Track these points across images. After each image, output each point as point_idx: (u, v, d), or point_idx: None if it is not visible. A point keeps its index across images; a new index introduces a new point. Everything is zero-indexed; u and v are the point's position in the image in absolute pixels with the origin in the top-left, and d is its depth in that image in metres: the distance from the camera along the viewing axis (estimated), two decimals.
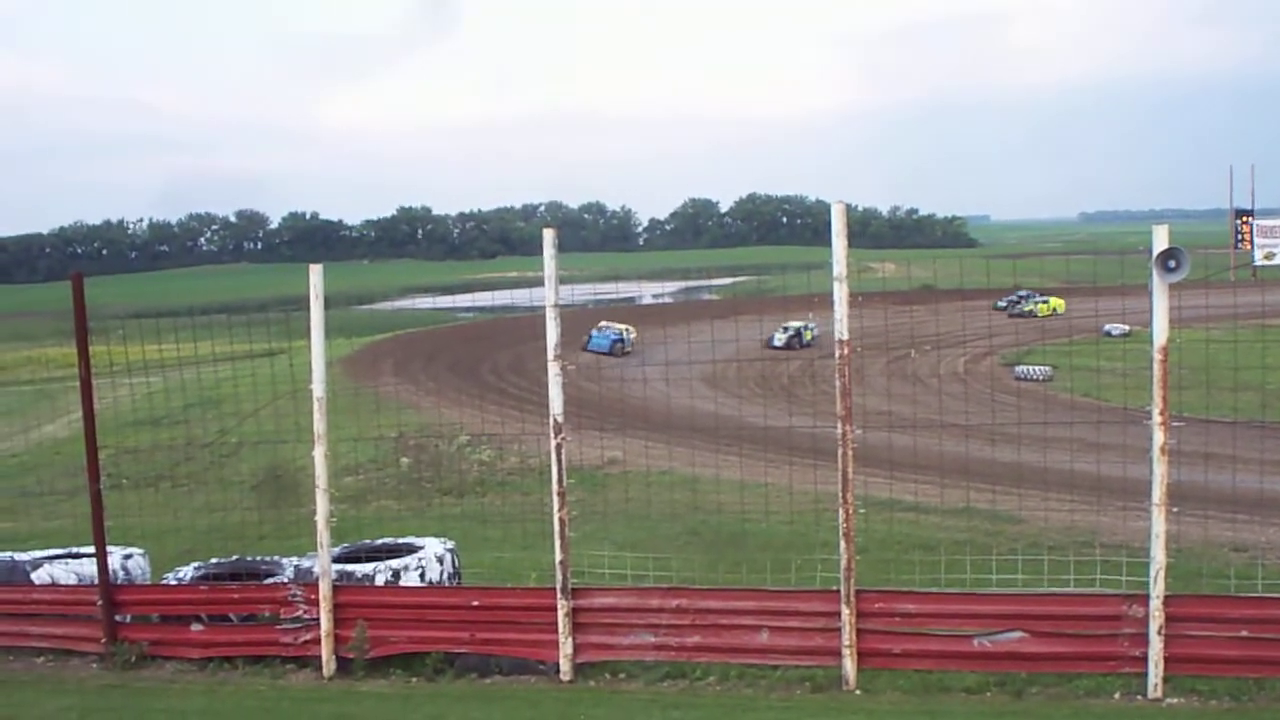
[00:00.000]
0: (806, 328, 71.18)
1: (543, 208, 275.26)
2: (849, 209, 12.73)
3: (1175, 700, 12.14)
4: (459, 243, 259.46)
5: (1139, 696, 12.21)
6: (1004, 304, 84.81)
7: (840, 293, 12.28)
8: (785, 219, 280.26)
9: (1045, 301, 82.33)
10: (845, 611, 12.66)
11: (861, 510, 13.47)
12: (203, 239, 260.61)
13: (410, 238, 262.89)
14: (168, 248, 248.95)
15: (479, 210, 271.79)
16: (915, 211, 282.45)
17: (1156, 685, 12.16)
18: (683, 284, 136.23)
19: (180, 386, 21.31)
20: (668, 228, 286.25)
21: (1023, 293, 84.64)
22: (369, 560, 15.01)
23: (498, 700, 13.05)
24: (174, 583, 15.19)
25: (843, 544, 12.58)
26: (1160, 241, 11.89)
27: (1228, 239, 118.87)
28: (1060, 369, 57.07)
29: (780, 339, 73.55)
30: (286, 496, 23.27)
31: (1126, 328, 54.32)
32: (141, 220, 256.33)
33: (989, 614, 12.75)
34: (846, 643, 12.71)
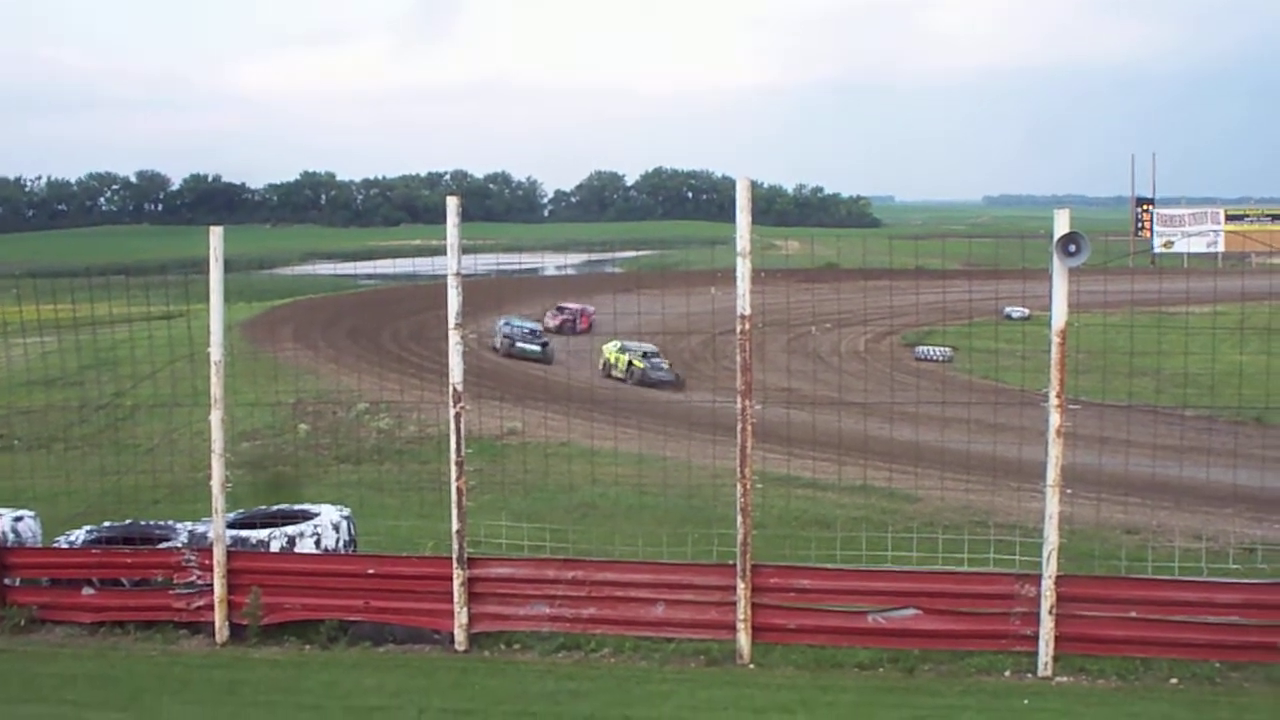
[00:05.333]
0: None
1: (448, 176, 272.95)
2: (754, 185, 12.74)
3: (1064, 678, 12.31)
4: (362, 209, 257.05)
5: (1029, 674, 12.37)
6: None
7: (743, 268, 12.29)
8: (691, 194, 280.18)
9: None
10: (741, 586, 12.72)
11: (759, 486, 13.51)
12: (102, 199, 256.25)
13: (313, 203, 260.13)
14: (66, 207, 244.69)
15: (383, 177, 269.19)
16: (820, 190, 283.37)
17: (1047, 664, 12.32)
18: (586, 256, 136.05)
19: (76, 347, 21.05)
20: (573, 200, 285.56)
21: None
22: (264, 526, 14.88)
23: (391, 669, 13.00)
24: (65, 546, 15.01)
25: (740, 519, 12.63)
26: (1061, 226, 11.99)
27: (1129, 226, 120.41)
28: (961, 350, 57.58)
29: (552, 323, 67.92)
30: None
31: (1026, 311, 54.94)
32: (40, 178, 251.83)
33: (883, 591, 12.86)
34: (741, 617, 12.77)
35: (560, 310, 70.53)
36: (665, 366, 55.47)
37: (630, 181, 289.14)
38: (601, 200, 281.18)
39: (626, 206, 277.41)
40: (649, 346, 55.72)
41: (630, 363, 54.90)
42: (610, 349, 56.00)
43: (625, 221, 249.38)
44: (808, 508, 23.55)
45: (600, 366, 56.09)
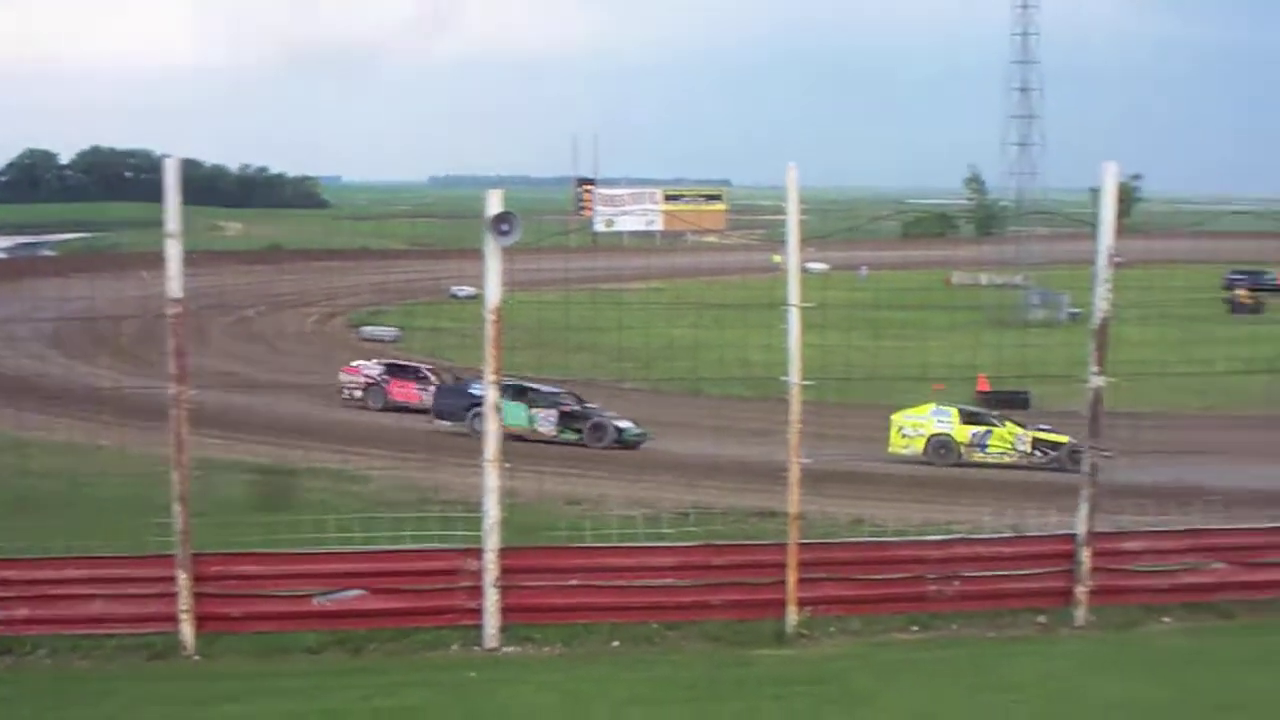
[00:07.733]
0: None
1: None
2: (196, 165, 12.53)
3: (511, 649, 12.63)
4: None
5: (476, 647, 12.61)
6: None
7: (174, 250, 12.01)
8: (131, 174, 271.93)
9: None
10: (182, 576, 12.46)
11: (198, 473, 13.26)
12: None
13: None
14: None
15: None
16: (265, 170, 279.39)
17: (493, 635, 12.60)
18: (16, 240, 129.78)
19: None
20: (2, 179, 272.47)
21: None
22: None
23: None
24: None
25: (177, 507, 12.39)
26: (494, 206, 12.21)
27: (572, 206, 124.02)
28: (408, 329, 57.99)
29: None
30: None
31: (473, 290, 55.92)
32: None
33: (330, 573, 12.87)
34: (184, 608, 12.52)
35: None
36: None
37: (65, 160, 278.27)
38: (34, 179, 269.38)
39: (62, 187, 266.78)
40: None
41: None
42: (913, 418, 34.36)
43: (61, 203, 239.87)
44: (249, 492, 23.22)
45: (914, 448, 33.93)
